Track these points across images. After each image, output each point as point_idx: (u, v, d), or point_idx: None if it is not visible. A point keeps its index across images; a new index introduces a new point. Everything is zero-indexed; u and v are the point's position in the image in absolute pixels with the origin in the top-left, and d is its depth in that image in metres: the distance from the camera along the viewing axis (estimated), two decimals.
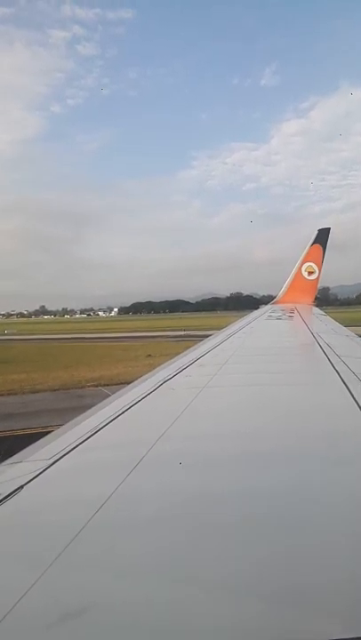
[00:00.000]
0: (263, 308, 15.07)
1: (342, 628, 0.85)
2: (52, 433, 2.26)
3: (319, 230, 17.24)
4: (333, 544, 1.16)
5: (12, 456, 1.93)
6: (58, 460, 1.78)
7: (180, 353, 5.16)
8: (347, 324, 10.87)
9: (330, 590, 0.97)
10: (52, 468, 1.70)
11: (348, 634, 0.83)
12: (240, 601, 0.94)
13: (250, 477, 1.64)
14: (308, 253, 17.00)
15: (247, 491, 1.52)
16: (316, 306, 16.90)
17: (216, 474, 1.68)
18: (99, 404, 2.82)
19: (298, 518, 1.31)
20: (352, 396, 2.68)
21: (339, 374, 3.39)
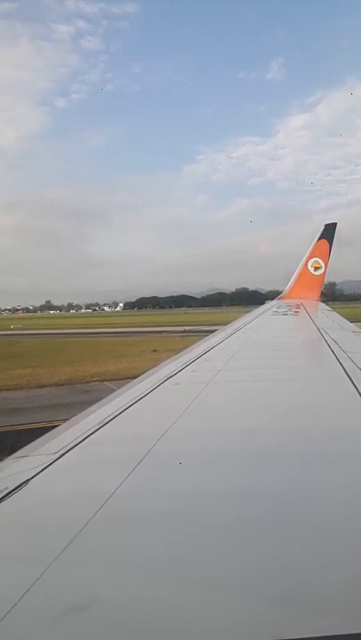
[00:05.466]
0: (269, 304, 15.02)
1: (344, 624, 0.85)
2: (58, 427, 2.27)
3: (326, 225, 17.14)
4: (339, 544, 1.15)
5: (17, 450, 1.94)
6: (63, 454, 1.78)
7: (185, 348, 5.15)
8: (353, 319, 10.80)
9: (333, 589, 0.96)
10: (57, 462, 1.70)
11: (349, 630, 0.83)
12: (243, 599, 0.93)
13: (256, 475, 1.63)
14: (314, 249, 16.91)
15: (254, 489, 1.51)
16: (323, 301, 16.83)
17: (222, 471, 1.67)
18: (104, 399, 2.82)
19: (306, 517, 1.29)
20: (359, 392, 2.66)
21: (345, 370, 3.36)
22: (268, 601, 0.92)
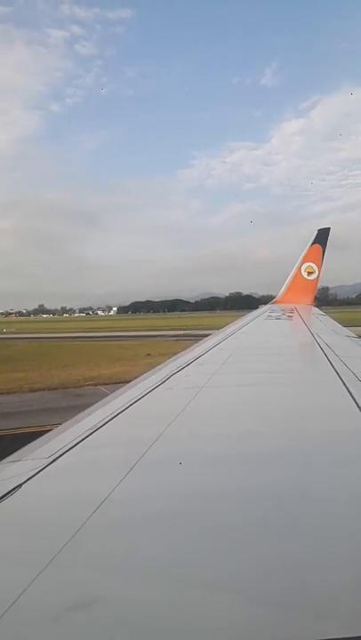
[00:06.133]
0: (263, 308, 15.09)
1: (344, 627, 0.85)
2: (51, 432, 2.26)
3: (319, 230, 17.27)
4: (332, 544, 1.15)
5: (10, 454, 1.93)
6: (56, 458, 1.78)
7: (179, 352, 5.16)
8: (346, 324, 10.87)
9: (331, 590, 0.96)
10: (50, 466, 1.70)
11: (350, 632, 0.83)
12: (238, 600, 0.94)
13: (249, 478, 1.64)
14: (307, 253, 17.02)
15: (246, 491, 1.52)
16: (316, 306, 16.92)
17: (215, 474, 1.68)
18: (98, 403, 2.82)
19: (296, 519, 1.30)
20: (352, 396, 2.68)
21: (338, 374, 3.39)
22: (267, 603, 0.92)
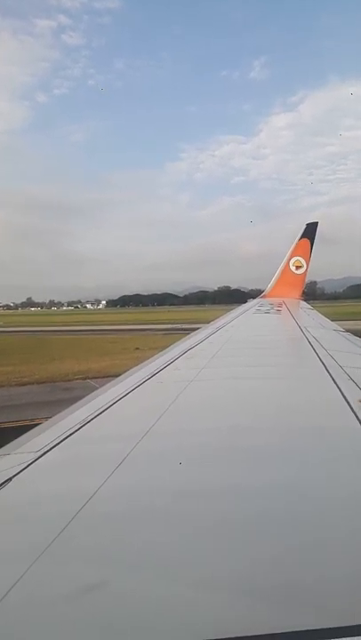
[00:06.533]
0: (251, 302, 15.15)
1: (339, 618, 0.86)
2: (40, 426, 2.25)
3: (307, 224, 17.38)
4: (321, 533, 1.17)
5: None
6: (45, 452, 1.78)
7: (167, 346, 5.16)
8: (334, 318, 10.98)
9: (322, 584, 0.98)
10: (39, 460, 1.70)
11: (345, 622, 0.84)
12: (231, 592, 0.95)
13: (238, 470, 1.65)
14: (296, 248, 17.12)
15: (235, 483, 1.53)
16: (304, 300, 17.05)
17: (204, 467, 1.69)
18: (86, 397, 2.81)
19: (285, 510, 1.32)
20: (339, 389, 2.71)
21: (326, 368, 3.42)
22: (254, 594, 0.93)
